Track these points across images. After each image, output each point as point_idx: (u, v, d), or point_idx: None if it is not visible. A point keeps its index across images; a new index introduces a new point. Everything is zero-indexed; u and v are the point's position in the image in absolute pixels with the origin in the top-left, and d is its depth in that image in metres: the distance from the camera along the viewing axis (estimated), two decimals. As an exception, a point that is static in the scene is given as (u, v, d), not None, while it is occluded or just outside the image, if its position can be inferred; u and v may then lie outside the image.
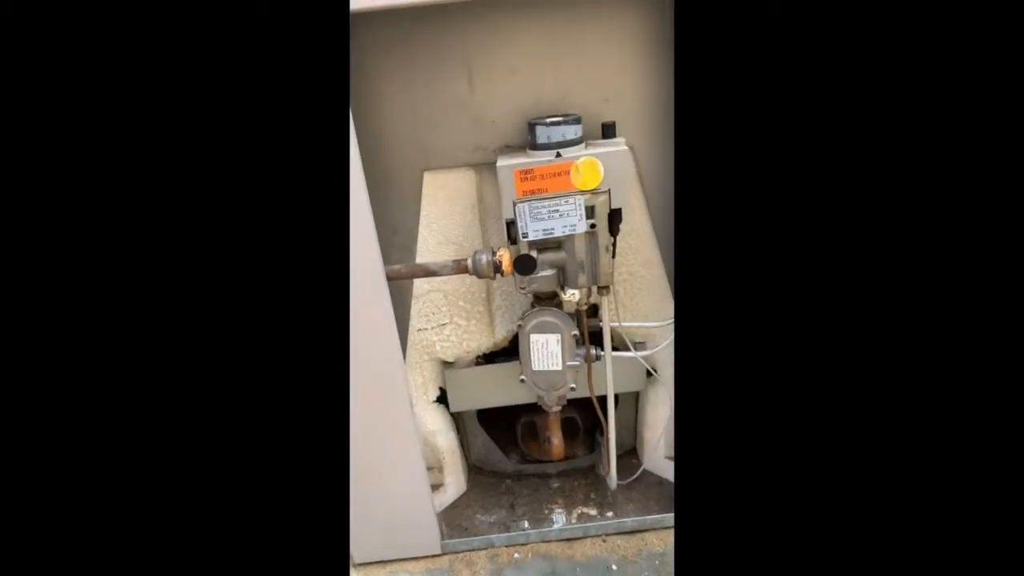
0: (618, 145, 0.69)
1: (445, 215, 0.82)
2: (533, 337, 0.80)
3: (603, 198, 0.69)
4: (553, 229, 0.70)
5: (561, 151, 0.67)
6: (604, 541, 0.93)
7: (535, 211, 0.69)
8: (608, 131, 0.70)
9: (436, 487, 1.01)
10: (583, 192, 0.68)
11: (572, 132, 0.68)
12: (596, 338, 0.83)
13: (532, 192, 0.69)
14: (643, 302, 0.89)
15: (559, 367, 0.81)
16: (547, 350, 0.80)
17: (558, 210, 0.69)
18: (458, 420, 1.04)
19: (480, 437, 1.07)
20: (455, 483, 1.02)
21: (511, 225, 0.71)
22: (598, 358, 0.82)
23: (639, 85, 0.76)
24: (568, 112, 0.71)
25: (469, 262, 0.75)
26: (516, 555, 0.92)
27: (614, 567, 0.88)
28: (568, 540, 0.93)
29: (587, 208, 0.69)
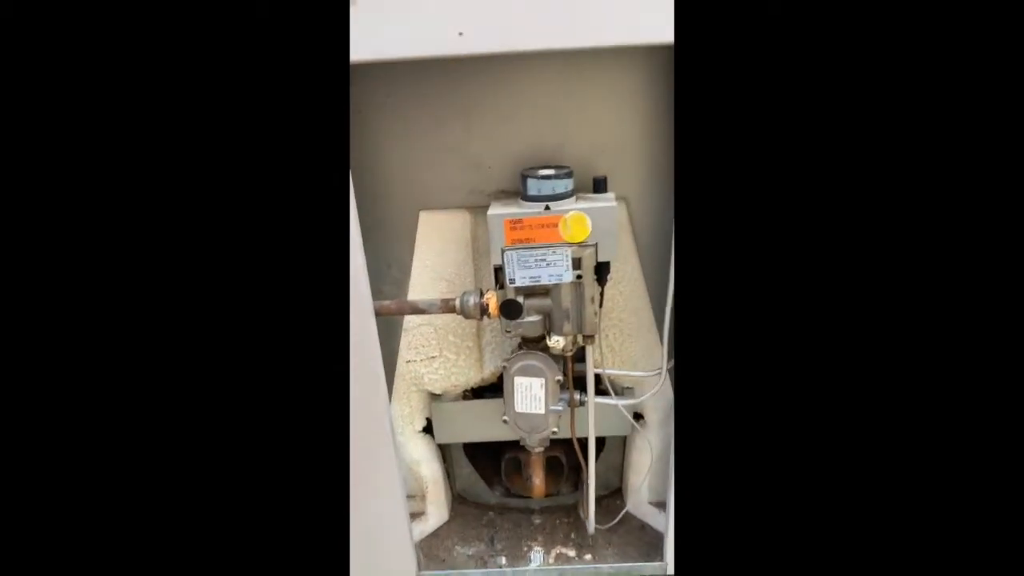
0: (608, 200, 0.70)
1: (439, 253, 0.83)
2: (517, 380, 0.80)
3: (590, 251, 0.70)
4: (540, 277, 0.71)
5: (551, 204, 0.68)
6: (579, 585, 0.92)
7: (523, 259, 0.70)
8: (599, 186, 0.71)
9: (418, 515, 1.02)
10: (570, 244, 0.69)
11: (562, 186, 0.69)
12: (581, 383, 0.83)
13: (520, 241, 0.70)
14: (632, 348, 0.89)
15: (542, 411, 0.81)
16: (530, 393, 0.81)
17: (545, 259, 0.70)
18: (445, 450, 1.05)
19: (466, 468, 1.08)
20: (437, 513, 1.03)
21: (499, 271, 0.72)
22: (582, 403, 0.83)
23: (637, 137, 0.77)
24: (562, 164, 0.73)
25: (457, 302, 0.76)
26: (490, 592, 0.92)
27: (587, 613, 0.88)
28: (543, 581, 0.93)
29: (574, 259, 0.70)
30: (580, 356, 0.86)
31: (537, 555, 0.96)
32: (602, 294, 0.78)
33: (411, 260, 0.84)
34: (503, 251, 0.70)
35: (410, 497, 1.02)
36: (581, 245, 0.69)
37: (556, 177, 0.68)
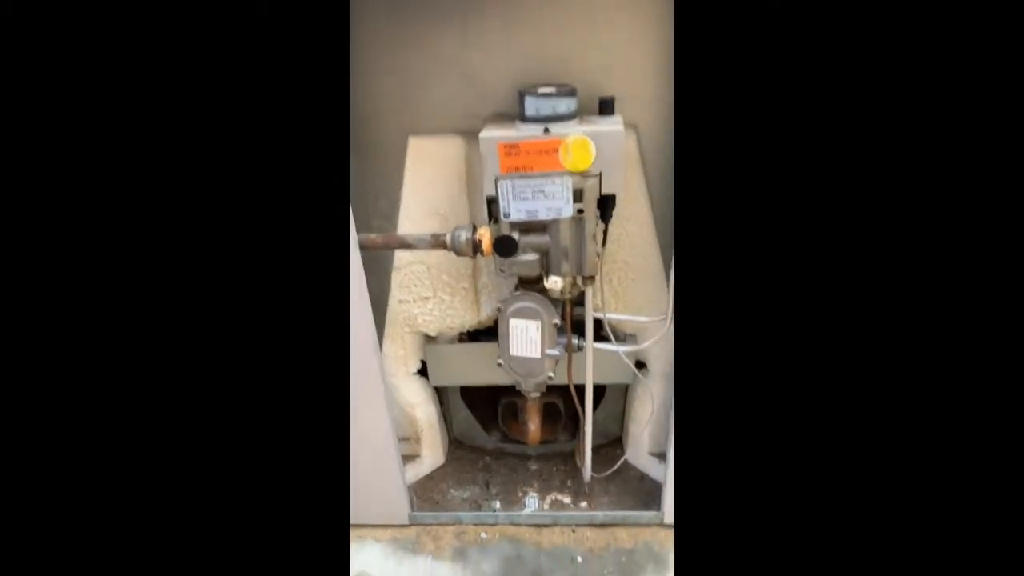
0: (614, 124, 0.62)
1: (430, 184, 0.77)
2: (512, 322, 0.76)
3: (593, 182, 0.63)
4: (537, 211, 0.65)
5: (550, 126, 0.61)
6: (573, 531, 0.91)
7: (518, 190, 0.64)
8: (606, 107, 0.63)
9: (413, 458, 1.00)
10: (572, 173, 0.62)
11: (564, 106, 0.61)
12: (581, 328, 0.78)
13: (516, 169, 0.63)
14: (637, 294, 0.83)
15: (537, 355, 0.77)
16: (526, 336, 0.76)
17: (543, 191, 0.63)
18: (441, 394, 1.02)
19: (462, 412, 1.05)
20: (432, 456, 1.01)
21: (492, 203, 0.66)
22: (580, 349, 0.78)
23: (650, 56, 0.68)
24: (565, 82, 0.65)
25: (448, 238, 0.70)
26: (483, 535, 0.91)
27: (579, 559, 0.86)
28: (537, 526, 0.91)
29: (575, 191, 0.63)
30: (580, 299, 0.81)
31: (532, 500, 0.95)
32: (605, 232, 0.71)
33: (400, 192, 0.78)
34: (497, 180, 0.63)
35: (404, 439, 1.00)
36: (583, 175, 0.62)
37: (557, 95, 0.61)
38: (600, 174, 0.63)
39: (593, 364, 0.80)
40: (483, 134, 0.62)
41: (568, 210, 0.64)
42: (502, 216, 0.66)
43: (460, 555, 0.88)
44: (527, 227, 0.67)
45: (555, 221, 0.65)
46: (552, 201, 0.64)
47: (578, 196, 0.64)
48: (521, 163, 0.63)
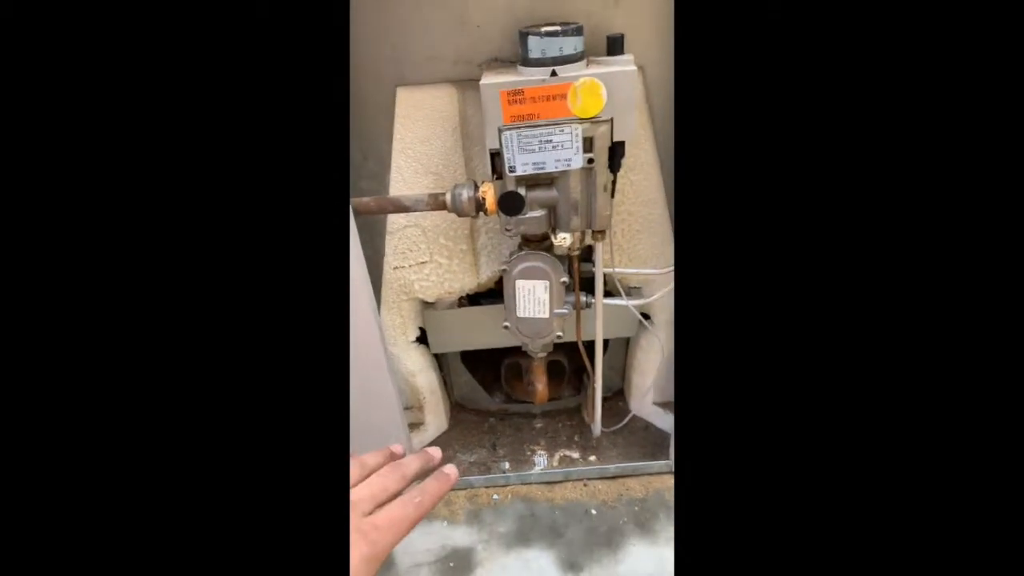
0: (626, 64, 0.57)
1: (422, 140, 0.71)
2: (519, 283, 0.72)
3: (604, 128, 0.59)
4: (545, 163, 0.60)
5: (557, 69, 0.56)
6: (585, 485, 0.91)
7: (524, 141, 0.59)
8: (614, 46, 0.58)
9: (416, 426, 0.99)
10: (581, 120, 0.58)
11: (571, 46, 0.56)
12: (588, 284, 0.76)
13: (521, 118, 0.58)
14: (642, 245, 0.81)
15: (546, 315, 0.74)
16: (534, 297, 0.73)
17: (551, 141, 0.59)
18: (441, 359, 1.00)
19: (464, 376, 1.03)
20: (435, 422, 0.99)
21: (496, 156, 0.61)
22: (588, 306, 0.76)
23: (656, -13, 0.63)
24: (569, 19, 0.59)
25: (448, 197, 0.66)
26: (495, 496, 0.91)
27: (593, 512, 0.87)
28: (548, 483, 0.92)
29: (585, 140, 0.59)
30: (587, 255, 0.78)
31: (541, 459, 0.95)
32: (614, 182, 0.68)
33: (389, 150, 0.72)
34: (500, 132, 0.59)
35: (407, 408, 0.98)
36: (594, 121, 0.58)
37: (563, 34, 0.56)
38: (611, 120, 0.58)
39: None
40: (484, 81, 0.57)
41: (578, 161, 0.60)
42: (507, 171, 0.61)
43: (474, 518, 0.87)
44: (534, 181, 0.63)
45: (564, 174, 0.62)
46: (561, 152, 0.60)
47: (588, 145, 0.60)
48: (527, 111, 0.58)
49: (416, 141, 0.71)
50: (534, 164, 0.61)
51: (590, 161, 0.60)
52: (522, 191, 0.63)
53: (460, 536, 0.85)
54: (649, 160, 0.74)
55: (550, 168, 0.61)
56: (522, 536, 0.84)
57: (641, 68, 0.68)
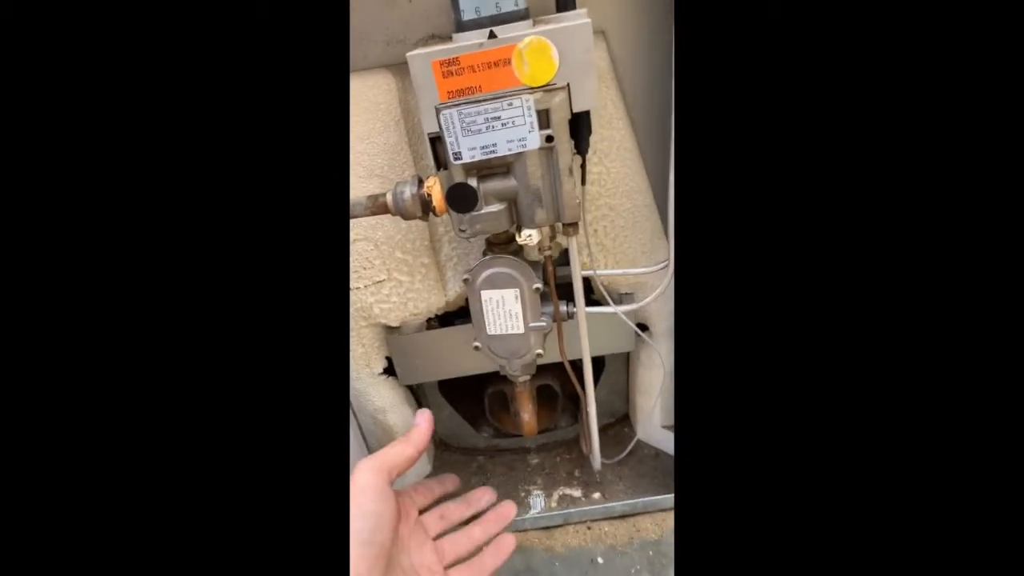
0: (578, 18, 0.48)
1: (360, 137, 0.62)
2: (485, 294, 0.62)
3: (560, 97, 0.49)
4: (495, 146, 0.51)
5: (497, 30, 0.47)
6: (589, 528, 0.78)
7: (468, 120, 0.50)
8: (565, 1, 0.49)
9: (393, 471, 0.87)
10: (532, 90, 0.49)
11: (511, 1, 0.47)
12: (568, 291, 0.65)
13: (461, 92, 0.49)
14: (629, 243, 0.70)
15: (520, 330, 0.63)
16: (503, 309, 0.62)
17: (499, 118, 0.49)
18: (417, 392, 0.89)
19: (445, 410, 0.91)
20: (416, 465, 0.87)
21: (437, 142, 0.52)
22: (570, 316, 0.65)
23: (612, -62, 0.55)
24: (509, -24, 0.51)
25: (389, 198, 0.56)
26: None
27: (600, 560, 0.74)
28: (546, 528, 0.79)
29: (539, 113, 0.49)
30: (563, 258, 0.68)
31: (537, 500, 0.82)
32: (584, 167, 0.58)
33: (327, 153, 0.63)
34: (438, 112, 0.49)
35: (380, 451, 0.86)
36: (547, 89, 0.49)
37: (500, -13, 0.47)
38: (568, 86, 0.49)
39: (588, 333, 0.67)
40: (411, 53, 0.48)
41: (535, 140, 0.50)
42: (451, 159, 0.51)
43: (461, 577, 0.74)
44: (486, 169, 0.53)
45: (520, 156, 0.52)
46: (512, 130, 0.50)
47: (544, 120, 0.50)
48: (466, 84, 0.49)
49: (354, 139, 0.62)
50: (482, 148, 0.51)
51: (548, 139, 0.50)
52: (473, 182, 0.53)
53: (443, 601, 0.72)
54: (626, 144, 0.64)
55: (502, 151, 0.51)
56: (517, 596, 0.71)
57: (603, 34, 0.59)
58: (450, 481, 0.64)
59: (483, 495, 0.63)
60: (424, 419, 0.58)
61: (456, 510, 0.60)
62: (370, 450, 0.83)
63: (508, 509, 0.60)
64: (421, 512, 0.59)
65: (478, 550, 0.58)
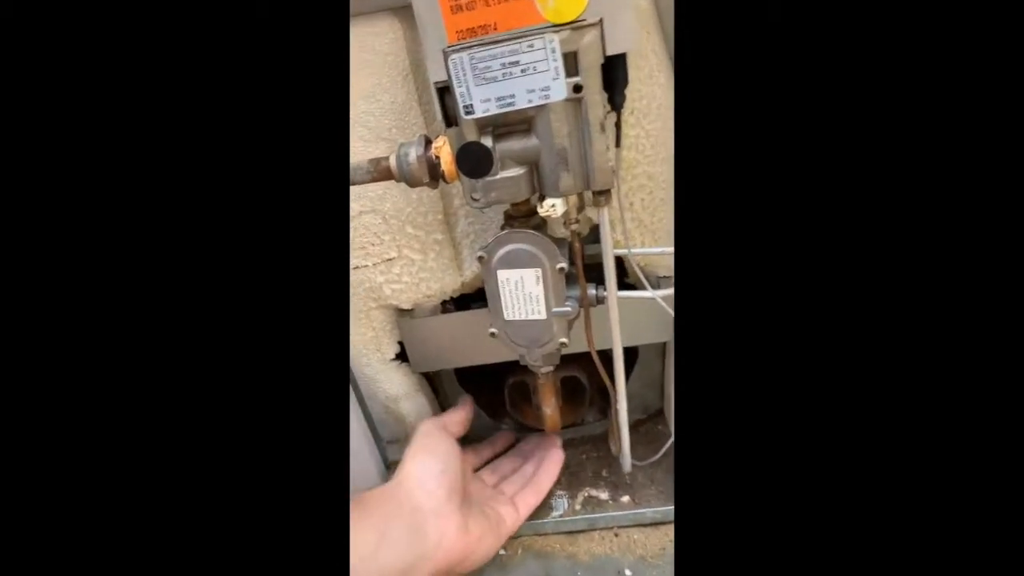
0: (615, -63, 0.40)
1: (364, 95, 0.55)
2: (501, 274, 0.54)
3: (591, 37, 0.41)
4: (513, 97, 0.43)
5: (515, -48, 0.39)
6: (616, 535, 0.71)
7: (481, 66, 0.42)
8: (600, -85, 0.41)
9: (406, 463, 0.81)
10: (557, 27, 0.40)
11: (533, -86, 0.39)
12: (597, 271, 0.57)
13: (473, 32, 0.41)
14: (670, 218, 0.61)
15: (542, 315, 0.56)
16: (522, 292, 0.55)
17: (518, 62, 0.42)
18: (433, 379, 0.82)
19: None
20: (430, 458, 0.81)
21: (445, 93, 0.45)
22: (600, 301, 0.57)
23: None
24: None
25: (392, 161, 0.49)
26: (502, 551, 0.71)
27: (628, 572, 0.67)
28: (570, 533, 0.72)
29: (566, 57, 0.41)
30: (593, 234, 0.60)
31: (560, 501, 0.75)
32: (619, 126, 0.49)
33: (329, 113, 0.56)
34: (446, 56, 0.42)
35: (392, 442, 0.81)
36: (575, 26, 0.40)
37: (519, -102, 0.38)
38: (601, 22, 0.40)
39: (620, 320, 0.59)
40: (415, -16, 0.40)
41: (559, 89, 0.42)
42: (461, 113, 0.44)
43: (475, 581, 0.68)
44: (503, 126, 0.46)
45: (542, 110, 0.44)
46: (533, 77, 0.42)
47: (572, 65, 0.42)
48: (478, 21, 0.41)
49: (358, 98, 0.55)
50: (498, 100, 0.43)
51: (576, 89, 0.42)
52: (487, 141, 0.45)
53: (455, 608, 0.66)
54: (669, 101, 0.55)
55: (521, 104, 0.43)
56: (535, 607, 0.65)
57: (645, -34, 0.50)
58: (502, 440, 0.75)
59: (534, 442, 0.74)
60: (466, 397, 0.74)
61: (508, 463, 0.70)
62: (379, 440, 0.78)
63: (555, 450, 0.70)
64: (476, 471, 0.69)
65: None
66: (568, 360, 0.68)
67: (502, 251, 0.53)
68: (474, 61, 0.42)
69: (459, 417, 0.67)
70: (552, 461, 0.66)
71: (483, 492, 0.64)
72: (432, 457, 0.59)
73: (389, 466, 0.80)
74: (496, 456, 0.73)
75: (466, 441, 0.85)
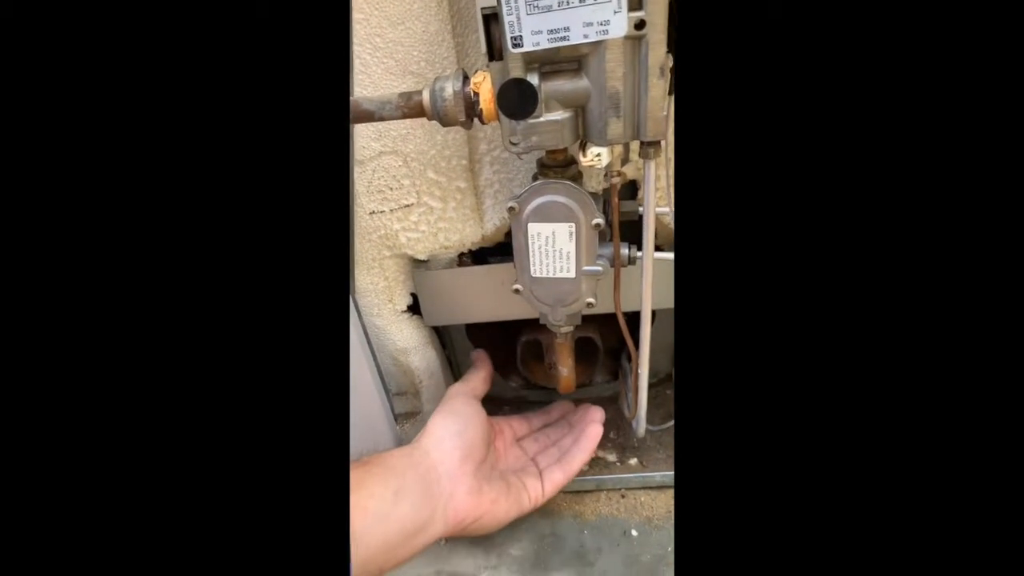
0: None
1: (393, 22, 0.50)
2: (532, 227, 0.51)
3: (664, -36, 0.36)
4: (567, 31, 0.39)
5: None
6: (623, 497, 0.71)
7: (535, -7, 0.37)
8: None
9: (412, 416, 0.80)
10: (626, -49, 0.36)
11: None
12: (634, 230, 0.54)
13: (529, -49, 0.36)
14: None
15: (571, 274, 0.53)
16: (553, 248, 0.52)
17: (577, -10, 0.37)
18: (443, 333, 0.80)
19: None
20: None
21: (492, 22, 0.40)
22: (632, 261, 0.54)
23: None
24: None
25: (425, 96, 0.45)
26: (508, 508, 0.71)
27: (634, 532, 0.67)
28: (576, 493, 0.72)
29: (631, -13, 0.37)
30: (630, 190, 0.56)
31: (567, 460, 0.75)
32: (674, 71, 0.45)
33: (349, 42, 0.51)
34: (496, -22, 0.37)
35: (400, 395, 0.79)
36: (647, -50, 0.36)
37: None
38: (676, -52, 0.36)
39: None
40: None
41: (620, 24, 0.38)
42: (508, 45, 0.40)
43: (480, 537, 0.68)
44: (552, 64, 0.41)
45: (598, 47, 0.40)
46: (592, 9, 0.38)
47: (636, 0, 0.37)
48: (537, -63, 0.36)
49: (385, 24, 0.50)
50: (550, 33, 0.39)
51: (639, 25, 0.38)
52: (533, 79, 0.41)
53: (461, 561, 0.66)
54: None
55: (576, 39, 0.39)
56: (540, 562, 0.65)
57: None
58: (558, 411, 0.73)
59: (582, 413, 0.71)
60: (480, 353, 0.74)
61: (554, 434, 0.69)
62: (388, 392, 0.76)
63: (593, 425, 0.67)
64: (520, 440, 0.68)
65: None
66: (584, 320, 0.66)
67: (536, 202, 0.50)
68: (528, -15, 0.37)
69: (483, 375, 0.68)
70: (588, 438, 0.65)
71: (518, 461, 0.64)
72: (453, 417, 0.59)
73: (397, 418, 0.79)
74: (546, 426, 0.71)
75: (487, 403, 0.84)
